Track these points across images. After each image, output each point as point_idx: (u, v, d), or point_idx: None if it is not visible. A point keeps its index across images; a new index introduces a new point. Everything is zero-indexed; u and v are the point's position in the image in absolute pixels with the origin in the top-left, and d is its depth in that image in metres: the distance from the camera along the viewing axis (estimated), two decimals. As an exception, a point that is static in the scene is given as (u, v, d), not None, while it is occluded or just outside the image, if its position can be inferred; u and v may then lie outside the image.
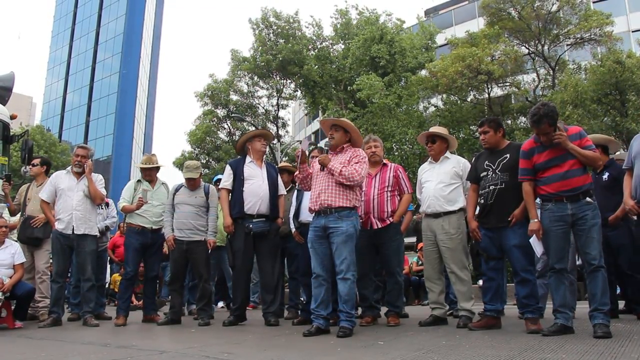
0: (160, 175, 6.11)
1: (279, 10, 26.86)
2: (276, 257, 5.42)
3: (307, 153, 4.62)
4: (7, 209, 6.59)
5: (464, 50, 19.03)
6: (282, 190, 5.53)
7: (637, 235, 4.79)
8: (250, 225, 5.20)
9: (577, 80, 17.21)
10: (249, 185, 5.28)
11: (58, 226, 5.54)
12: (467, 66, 18.48)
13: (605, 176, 4.86)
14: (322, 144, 4.61)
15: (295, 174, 4.80)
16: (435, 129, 5.10)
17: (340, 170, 4.25)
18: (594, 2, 23.59)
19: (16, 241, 5.92)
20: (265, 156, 6.08)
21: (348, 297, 4.17)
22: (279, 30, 26.62)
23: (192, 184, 5.70)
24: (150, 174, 5.97)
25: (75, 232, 5.52)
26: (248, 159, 5.49)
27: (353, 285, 4.26)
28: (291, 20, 26.75)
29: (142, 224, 5.73)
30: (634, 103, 15.78)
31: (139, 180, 5.95)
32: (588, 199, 3.72)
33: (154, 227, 5.79)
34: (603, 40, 18.72)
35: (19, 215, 6.42)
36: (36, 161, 6.54)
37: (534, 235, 3.85)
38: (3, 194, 6.58)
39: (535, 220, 3.86)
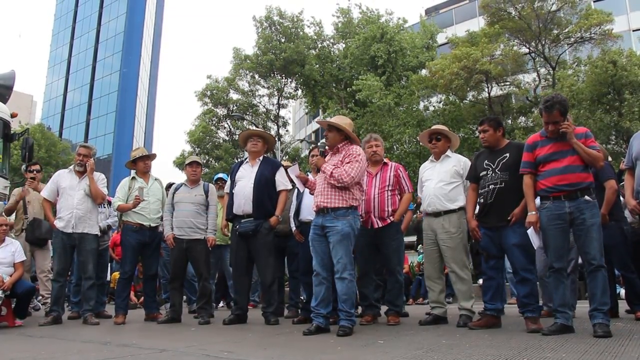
0: (160, 174, 6.11)
1: (284, 9, 26.93)
2: (268, 255, 5.28)
3: (302, 172, 4.74)
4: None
5: (460, 51, 19.06)
6: (282, 185, 5.34)
7: (629, 235, 4.80)
8: (237, 226, 5.24)
9: (572, 80, 17.26)
10: (236, 186, 5.30)
11: (58, 224, 5.54)
12: (464, 67, 18.50)
13: None
14: (320, 143, 4.63)
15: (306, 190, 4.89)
16: (439, 127, 5.09)
17: (331, 172, 4.27)
18: (594, 1, 23.57)
19: (15, 238, 5.94)
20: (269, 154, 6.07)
21: (346, 296, 4.17)
22: (282, 29, 26.63)
23: (194, 172, 5.74)
24: (146, 165, 5.94)
25: (75, 230, 5.52)
26: (247, 159, 5.54)
27: (351, 284, 4.25)
28: (295, 20, 26.75)
29: (141, 222, 5.71)
30: (629, 101, 15.79)
31: (133, 178, 5.89)
32: (587, 197, 3.70)
33: (152, 224, 5.77)
34: (604, 39, 18.72)
35: (13, 215, 6.49)
36: (37, 167, 6.61)
37: (532, 227, 3.85)
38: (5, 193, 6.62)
39: (533, 212, 3.86)
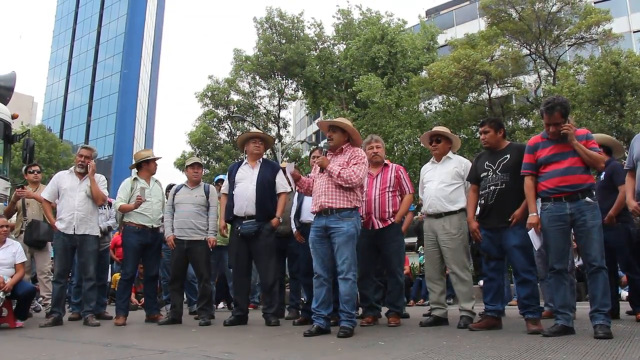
0: (160, 175, 6.11)
1: (284, 10, 26.95)
2: (270, 257, 5.29)
3: (297, 171, 4.65)
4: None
5: (459, 53, 19.05)
6: (281, 188, 5.36)
7: (634, 236, 4.79)
8: (239, 227, 5.23)
9: (572, 82, 17.24)
10: (237, 188, 5.30)
11: (59, 226, 5.54)
12: (463, 67, 18.49)
13: (602, 176, 4.83)
14: (322, 144, 4.64)
15: (297, 188, 4.85)
16: (439, 129, 5.09)
17: (339, 173, 4.26)
18: (595, 3, 23.58)
19: (14, 239, 5.94)
20: (265, 156, 6.06)
21: (349, 297, 4.17)
22: (282, 30, 26.66)
23: (195, 173, 5.75)
24: (150, 167, 5.95)
25: (76, 232, 5.52)
26: (245, 160, 5.52)
27: (354, 285, 4.26)
28: (295, 21, 26.78)
29: (143, 223, 5.70)
30: (631, 103, 15.77)
31: (135, 179, 5.88)
32: (588, 198, 3.70)
33: (154, 225, 5.78)
34: (605, 39, 18.70)
35: (14, 217, 6.49)
36: (37, 168, 6.61)
37: (532, 228, 3.85)
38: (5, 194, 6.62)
39: (534, 213, 3.86)
